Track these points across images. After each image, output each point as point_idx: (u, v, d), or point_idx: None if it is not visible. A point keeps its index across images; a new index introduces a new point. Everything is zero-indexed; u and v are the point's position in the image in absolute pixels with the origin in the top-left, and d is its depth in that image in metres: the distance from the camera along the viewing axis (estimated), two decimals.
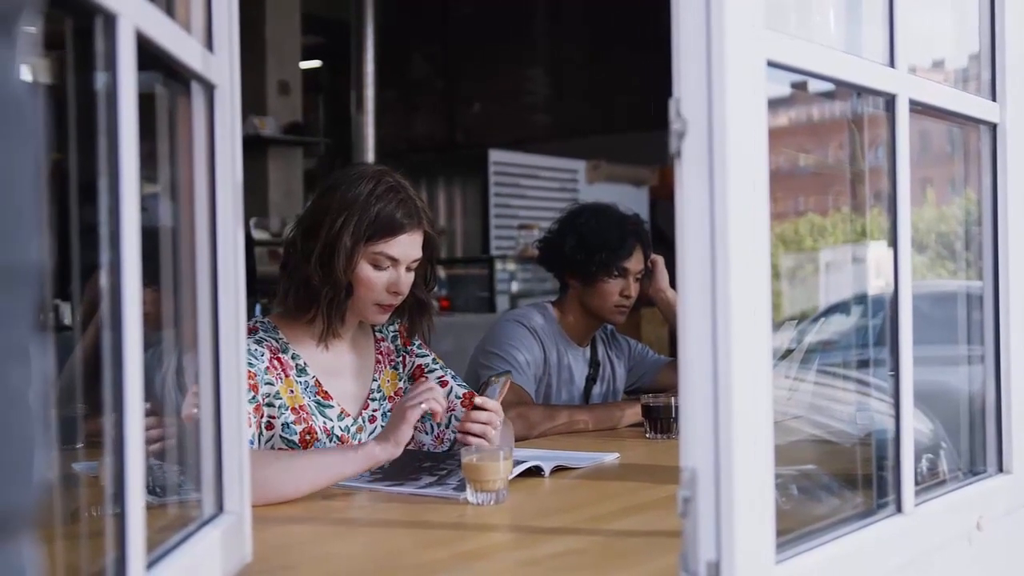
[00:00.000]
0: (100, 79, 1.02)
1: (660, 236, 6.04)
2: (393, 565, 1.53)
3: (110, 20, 1.00)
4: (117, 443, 1.01)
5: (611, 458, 2.34)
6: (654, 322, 6.56)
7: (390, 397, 2.33)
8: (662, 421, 2.64)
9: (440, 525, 1.74)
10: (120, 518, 1.01)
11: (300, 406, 2.16)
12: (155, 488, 1.37)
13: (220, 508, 1.38)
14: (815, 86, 1.56)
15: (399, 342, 2.40)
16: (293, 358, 2.20)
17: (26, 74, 0.58)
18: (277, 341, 2.20)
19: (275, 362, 2.16)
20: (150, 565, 1.09)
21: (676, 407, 2.64)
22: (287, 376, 2.17)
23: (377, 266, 2.17)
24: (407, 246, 2.18)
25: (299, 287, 2.18)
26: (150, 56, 1.12)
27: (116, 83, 1.01)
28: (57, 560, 1.13)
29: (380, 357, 2.36)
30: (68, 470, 1.41)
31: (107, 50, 1.01)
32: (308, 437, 2.15)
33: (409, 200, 2.19)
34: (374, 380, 2.32)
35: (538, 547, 1.60)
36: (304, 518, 1.82)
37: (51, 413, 0.60)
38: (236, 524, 1.39)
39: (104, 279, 1.01)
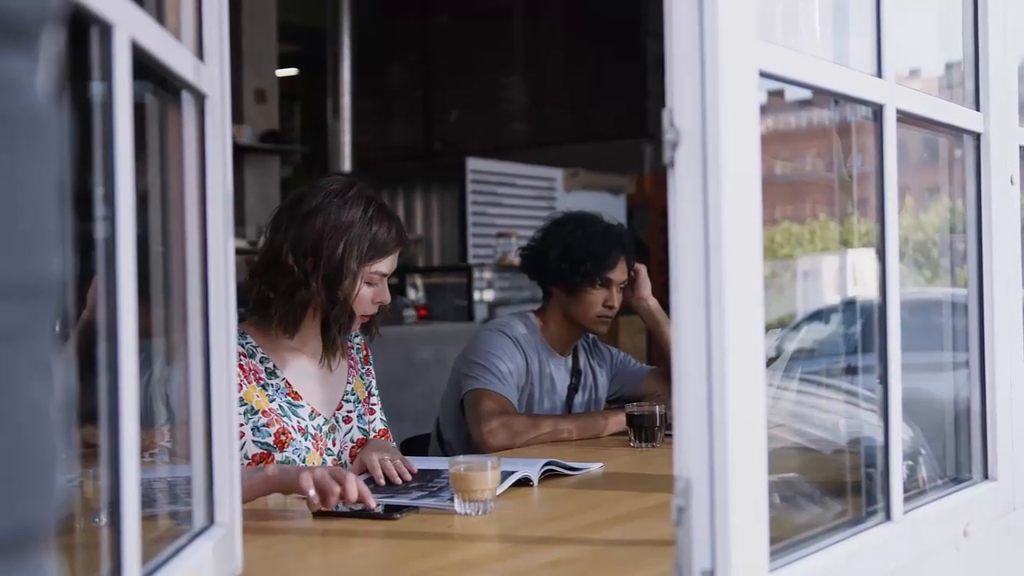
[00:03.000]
0: (95, 88, 1.01)
1: (637, 244, 6.04)
2: None
3: (106, 30, 0.99)
4: (112, 455, 1.00)
5: (596, 467, 2.34)
6: (631, 330, 6.57)
7: (363, 401, 2.42)
8: (646, 430, 2.64)
9: (429, 536, 1.73)
10: (115, 530, 1.00)
11: (270, 408, 2.22)
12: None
13: (211, 520, 1.37)
14: (792, 95, 1.56)
15: (361, 356, 2.48)
16: (262, 362, 2.26)
17: (48, 87, 0.58)
18: (243, 346, 2.24)
19: (238, 368, 2.18)
20: None
21: (660, 416, 2.64)
22: (251, 383, 2.22)
23: (370, 283, 2.27)
24: (394, 261, 2.31)
25: (298, 308, 2.23)
26: (141, 65, 1.11)
27: (112, 92, 1.00)
28: None
29: (352, 363, 2.44)
30: None
31: (103, 59, 1.00)
32: (283, 437, 2.21)
33: (395, 219, 2.32)
34: (348, 383, 2.40)
35: (529, 557, 1.60)
36: (294, 530, 1.81)
37: (71, 426, 0.60)
38: (227, 536, 1.38)
39: (100, 289, 1.00)
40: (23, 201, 0.54)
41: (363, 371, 2.46)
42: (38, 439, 0.54)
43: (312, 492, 1.79)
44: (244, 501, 1.95)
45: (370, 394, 2.47)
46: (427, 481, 2.11)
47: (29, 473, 0.54)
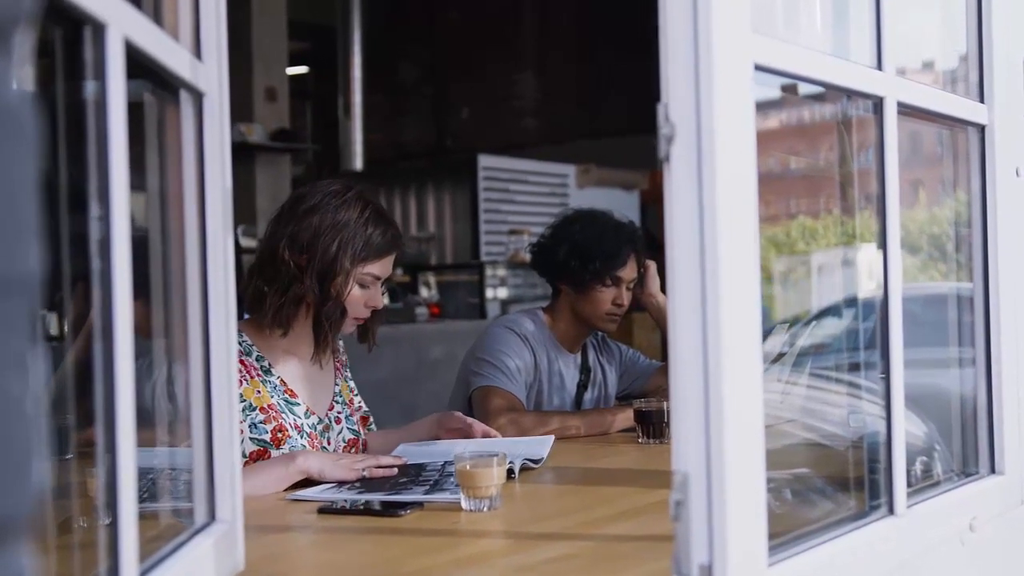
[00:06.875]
0: (89, 88, 1.01)
1: (650, 240, 6.02)
2: (387, 573, 1.52)
3: (99, 29, 1.00)
4: (109, 453, 1.01)
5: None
6: (645, 327, 6.56)
7: (348, 403, 2.47)
8: (654, 426, 2.64)
9: (434, 532, 1.74)
10: (113, 528, 1.01)
11: (269, 405, 2.25)
12: (143, 496, 1.36)
13: (212, 517, 1.37)
14: (804, 89, 1.56)
15: (344, 360, 2.53)
16: (258, 360, 2.29)
17: (22, 84, 0.58)
18: (240, 345, 2.27)
19: (239, 363, 2.21)
20: (143, 574, 1.09)
21: (668, 411, 2.64)
22: (252, 378, 2.26)
23: (362, 285, 2.31)
24: (389, 265, 2.35)
25: (291, 304, 2.27)
26: (138, 64, 1.11)
27: (105, 92, 1.01)
28: (50, 570, 1.12)
29: (338, 366, 2.50)
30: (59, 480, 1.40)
31: (96, 59, 1.00)
32: (280, 435, 2.24)
33: (392, 223, 2.36)
34: (336, 385, 2.45)
35: (532, 552, 1.60)
36: (296, 527, 1.81)
37: (47, 422, 0.60)
38: (228, 533, 1.38)
39: (95, 289, 1.01)
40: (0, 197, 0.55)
41: (346, 375, 2.52)
42: (14, 432, 0.55)
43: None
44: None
45: (354, 394, 2.52)
46: (417, 476, 2.11)
47: (6, 467, 0.54)
